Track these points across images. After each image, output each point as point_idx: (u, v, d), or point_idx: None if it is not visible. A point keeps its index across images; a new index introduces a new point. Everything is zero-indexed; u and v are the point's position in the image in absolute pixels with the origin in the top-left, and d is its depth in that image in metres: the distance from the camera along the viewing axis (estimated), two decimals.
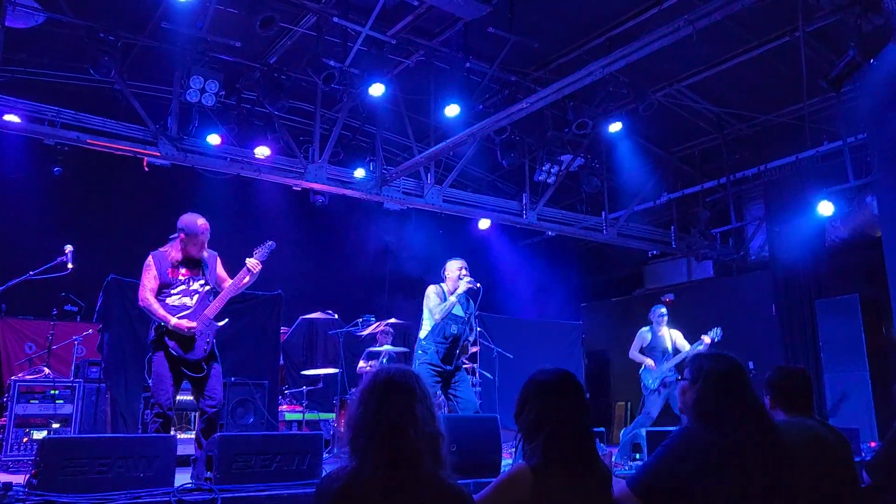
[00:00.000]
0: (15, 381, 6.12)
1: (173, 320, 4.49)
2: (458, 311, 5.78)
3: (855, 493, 2.94)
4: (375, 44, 7.89)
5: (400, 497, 1.90)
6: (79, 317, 8.24)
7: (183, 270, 4.68)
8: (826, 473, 2.78)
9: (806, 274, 10.26)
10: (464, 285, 5.67)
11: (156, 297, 4.56)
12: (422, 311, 5.83)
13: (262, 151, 8.65)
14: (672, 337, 8.05)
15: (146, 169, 7.75)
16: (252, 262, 4.72)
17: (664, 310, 8.09)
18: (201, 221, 4.70)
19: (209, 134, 8.04)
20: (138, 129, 7.61)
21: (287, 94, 7.98)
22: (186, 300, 4.64)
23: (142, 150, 7.55)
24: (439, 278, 5.95)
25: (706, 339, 7.85)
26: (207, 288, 4.74)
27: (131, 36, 7.53)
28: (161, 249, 4.71)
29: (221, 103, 7.93)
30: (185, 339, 4.54)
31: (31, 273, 5.33)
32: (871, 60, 6.27)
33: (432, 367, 5.64)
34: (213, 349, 4.71)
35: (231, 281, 4.77)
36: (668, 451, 2.44)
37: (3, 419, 6.04)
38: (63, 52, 8.08)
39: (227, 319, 4.77)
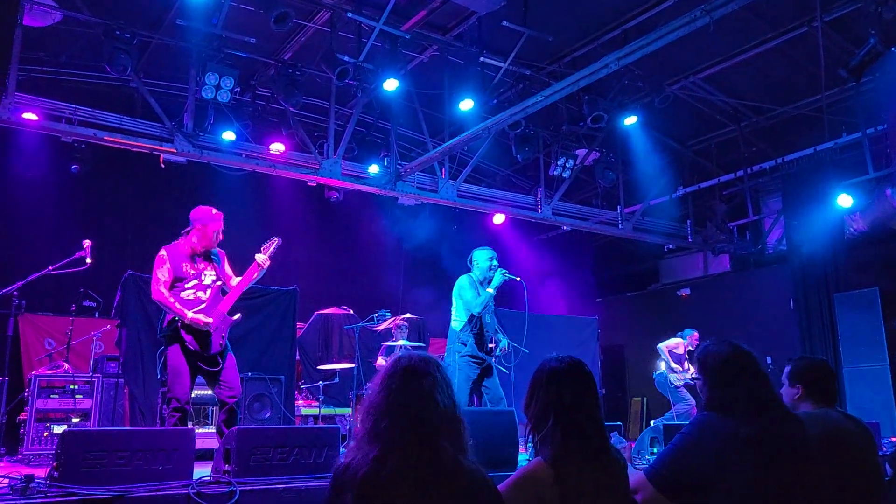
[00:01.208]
0: (35, 377, 6.20)
1: (190, 314, 4.50)
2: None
3: (878, 485, 2.91)
4: (389, 39, 7.89)
5: (425, 483, 1.89)
6: (97, 312, 8.31)
7: (196, 264, 4.70)
8: (849, 465, 2.74)
9: (824, 267, 10.16)
10: (499, 277, 5.63)
11: (169, 290, 4.59)
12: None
13: (276, 147, 8.69)
14: None
15: (162, 166, 7.79)
16: (262, 258, 4.76)
17: (697, 334, 8.92)
18: (215, 211, 4.73)
19: (224, 130, 8.07)
20: (154, 126, 7.66)
21: (301, 91, 8.00)
22: (200, 294, 4.65)
23: (158, 147, 7.60)
24: (466, 268, 5.87)
25: None
26: (219, 283, 4.77)
27: (147, 33, 7.59)
28: (174, 243, 4.73)
29: (236, 100, 7.95)
30: (201, 333, 4.56)
31: (50, 268, 5.40)
32: (893, 49, 6.19)
33: (473, 360, 5.59)
34: (226, 343, 4.73)
35: (240, 278, 4.80)
36: (683, 440, 2.44)
37: (24, 414, 6.12)
38: (80, 51, 8.15)
39: (239, 315, 4.79)
